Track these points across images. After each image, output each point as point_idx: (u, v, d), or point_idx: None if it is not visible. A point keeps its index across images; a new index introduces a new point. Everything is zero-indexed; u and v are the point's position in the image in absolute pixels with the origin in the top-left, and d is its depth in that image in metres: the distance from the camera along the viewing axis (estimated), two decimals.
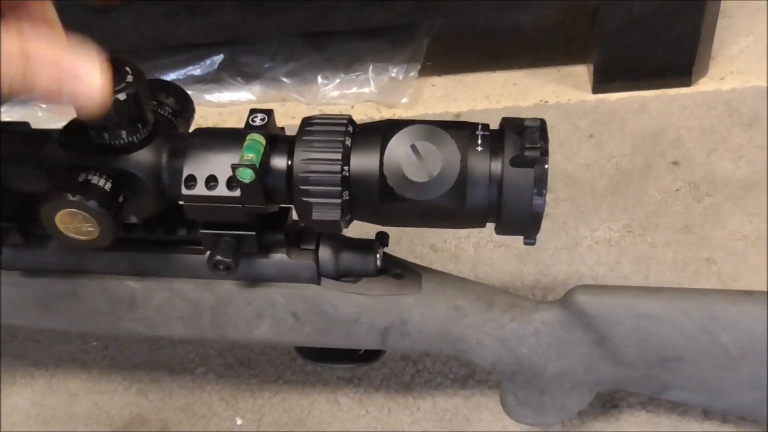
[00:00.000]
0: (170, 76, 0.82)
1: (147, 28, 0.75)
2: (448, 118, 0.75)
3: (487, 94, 0.77)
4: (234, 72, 0.82)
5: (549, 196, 0.60)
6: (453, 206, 0.32)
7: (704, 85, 0.72)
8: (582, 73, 0.76)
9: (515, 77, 0.78)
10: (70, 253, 0.38)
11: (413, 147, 0.31)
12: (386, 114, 0.78)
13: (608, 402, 0.52)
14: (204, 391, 0.58)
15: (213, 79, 0.82)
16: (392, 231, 0.40)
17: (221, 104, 0.82)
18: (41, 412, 0.59)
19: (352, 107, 0.79)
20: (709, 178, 0.65)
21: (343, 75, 0.80)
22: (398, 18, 0.77)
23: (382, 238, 0.40)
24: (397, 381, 0.56)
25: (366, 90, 0.79)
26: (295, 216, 0.36)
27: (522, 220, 0.33)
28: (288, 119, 0.78)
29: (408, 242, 0.61)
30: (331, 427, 0.54)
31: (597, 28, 0.71)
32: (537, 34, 0.81)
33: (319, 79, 0.80)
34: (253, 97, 0.81)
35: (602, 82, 0.74)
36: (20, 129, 0.37)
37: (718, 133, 0.68)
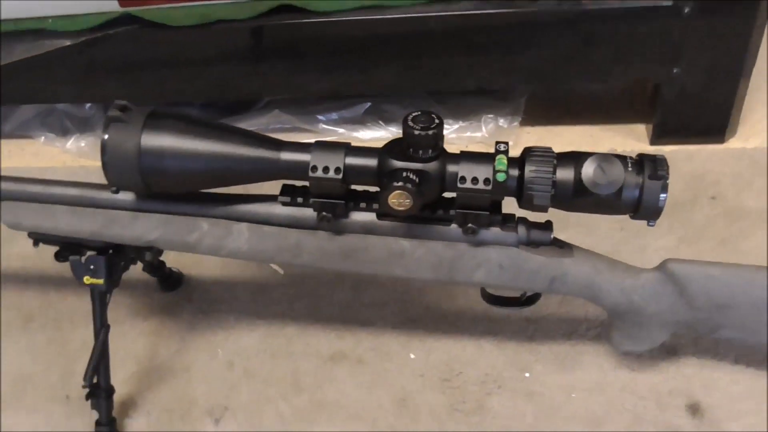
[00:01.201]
0: (331, 116, 1.09)
1: (325, 82, 1.02)
2: None
3: (570, 141, 1.03)
4: (376, 116, 1.08)
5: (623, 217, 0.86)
6: (616, 201, 0.58)
7: (734, 143, 0.99)
8: (642, 130, 1.03)
9: (591, 131, 1.05)
10: (365, 221, 0.64)
11: (600, 165, 0.57)
12: None
13: (671, 350, 0.77)
14: (384, 336, 0.83)
15: (360, 121, 1.08)
16: None
17: (364, 141, 1.08)
18: (268, 348, 0.83)
19: (467, 147, 1.06)
20: (738, 209, 0.91)
21: (460, 122, 1.06)
22: (502, 81, 1.04)
23: (551, 224, 0.66)
24: (523, 334, 0.81)
25: (478, 134, 1.05)
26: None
27: (652, 211, 0.59)
28: None
29: None
30: (478, 365, 0.79)
31: (657, 98, 0.98)
32: (609, 99, 1.08)
33: None
34: (390, 136, 1.06)
35: (658, 137, 1.00)
36: (361, 148, 0.61)
37: (744, 178, 0.94)
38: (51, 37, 0.98)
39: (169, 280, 0.89)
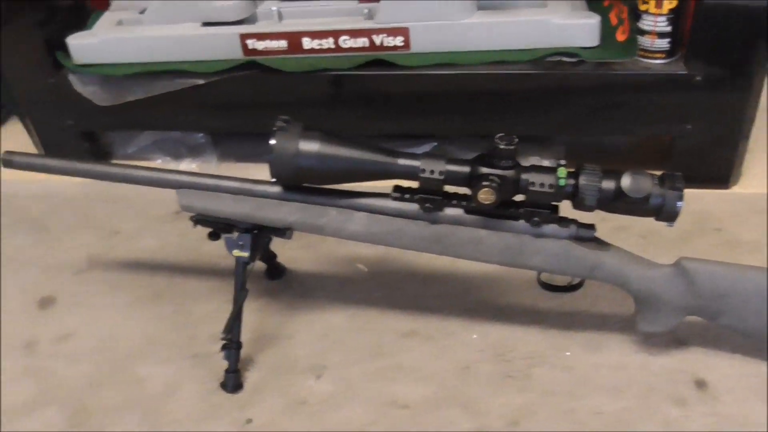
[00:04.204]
0: None
1: (401, 123, 1.25)
2: None
3: None
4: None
5: (646, 237, 1.08)
6: (644, 205, 0.79)
7: (736, 189, 1.21)
8: None
9: None
10: (454, 214, 0.86)
11: (634, 177, 0.79)
12: None
13: (681, 340, 0.97)
14: (449, 320, 1.03)
15: None
16: None
17: None
18: (354, 325, 1.03)
19: None
20: (737, 240, 1.12)
21: None
22: (544, 131, 1.27)
23: (594, 225, 0.87)
24: (563, 324, 1.01)
25: None
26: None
27: (671, 214, 0.80)
28: None
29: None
30: (526, 345, 0.99)
31: (672, 149, 1.21)
32: (631, 149, 1.32)
33: None
34: None
35: None
36: (457, 159, 0.83)
37: (744, 216, 1.16)
38: (187, 77, 1.22)
39: (275, 270, 1.11)
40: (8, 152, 0.94)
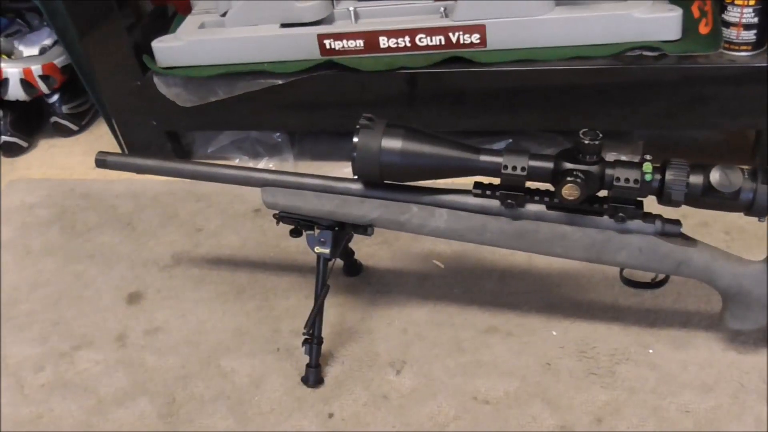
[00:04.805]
0: None
1: (478, 119, 1.26)
2: None
3: None
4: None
5: (731, 233, 1.05)
6: (734, 200, 0.78)
7: None
8: None
9: None
10: (537, 211, 0.86)
11: (724, 172, 0.78)
12: None
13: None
14: (529, 317, 1.02)
15: None
16: None
17: None
18: (434, 320, 1.03)
19: None
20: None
21: None
22: (625, 126, 1.25)
23: (680, 221, 0.86)
24: (645, 321, 1.00)
25: None
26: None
27: (763, 209, 0.78)
28: None
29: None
30: (608, 342, 0.98)
31: (757, 144, 1.18)
32: (713, 144, 1.28)
33: None
34: None
35: None
36: (540, 154, 0.82)
37: None
38: (266, 77, 1.25)
39: (353, 267, 1.12)
40: (102, 152, 0.98)
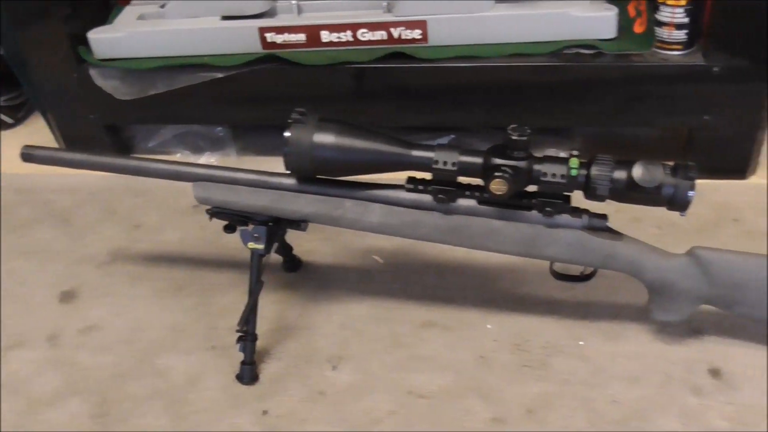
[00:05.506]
0: None
1: (421, 116, 1.26)
2: None
3: None
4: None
5: (662, 228, 1.07)
6: (656, 195, 0.79)
7: (754, 180, 1.21)
8: None
9: None
10: (468, 206, 0.87)
11: (646, 167, 0.79)
12: None
13: (697, 330, 0.97)
14: (465, 311, 1.03)
15: None
16: None
17: None
18: (372, 316, 1.04)
19: None
20: (755, 231, 1.12)
21: None
22: (566, 123, 1.27)
23: (607, 215, 0.87)
24: (578, 314, 1.01)
25: None
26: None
27: (683, 204, 0.80)
28: None
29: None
30: (541, 335, 0.99)
31: (690, 141, 1.20)
32: (650, 141, 1.31)
33: None
34: None
35: None
36: (471, 150, 0.84)
37: (761, 207, 1.15)
38: (207, 70, 1.24)
39: (293, 263, 1.12)
40: (28, 146, 0.95)
